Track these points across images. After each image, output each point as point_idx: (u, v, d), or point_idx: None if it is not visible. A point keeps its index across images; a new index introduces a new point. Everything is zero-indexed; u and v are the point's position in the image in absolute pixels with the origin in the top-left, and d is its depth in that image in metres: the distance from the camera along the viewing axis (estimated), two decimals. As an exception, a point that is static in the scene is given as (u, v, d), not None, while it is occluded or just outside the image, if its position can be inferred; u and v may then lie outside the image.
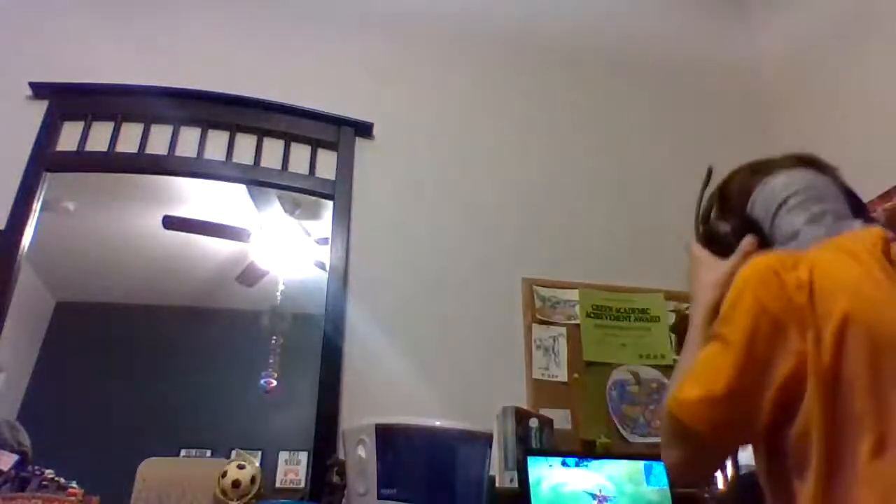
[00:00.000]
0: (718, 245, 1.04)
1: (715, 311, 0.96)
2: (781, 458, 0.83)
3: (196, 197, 2.19)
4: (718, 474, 1.77)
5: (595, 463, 1.70)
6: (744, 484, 1.59)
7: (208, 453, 1.88)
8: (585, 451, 1.89)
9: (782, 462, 0.83)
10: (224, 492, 1.50)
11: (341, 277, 2.03)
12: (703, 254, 1.06)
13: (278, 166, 2.18)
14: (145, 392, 1.95)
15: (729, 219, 1.04)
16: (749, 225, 1.01)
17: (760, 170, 1.05)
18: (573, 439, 1.96)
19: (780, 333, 0.80)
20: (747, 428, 0.84)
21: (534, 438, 1.80)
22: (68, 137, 2.06)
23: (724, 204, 1.08)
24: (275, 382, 2.00)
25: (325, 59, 2.41)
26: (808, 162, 1.04)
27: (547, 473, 1.63)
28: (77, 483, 1.44)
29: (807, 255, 0.85)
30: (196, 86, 2.16)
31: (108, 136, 2.08)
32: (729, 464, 1.76)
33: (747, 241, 1.00)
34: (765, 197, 1.02)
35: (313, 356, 1.92)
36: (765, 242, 1.00)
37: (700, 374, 0.85)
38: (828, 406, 0.77)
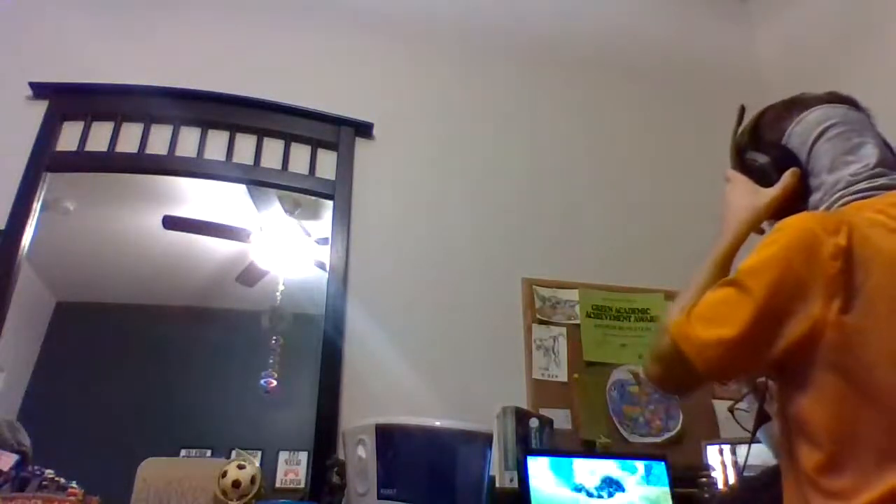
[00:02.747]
0: (756, 176, 1.04)
1: (747, 232, 1.01)
2: (794, 422, 0.84)
3: (196, 197, 2.19)
4: (719, 474, 1.77)
5: (595, 463, 1.70)
6: (744, 484, 1.58)
7: (208, 453, 1.87)
8: (585, 451, 1.89)
9: (797, 425, 0.84)
10: (224, 492, 1.50)
11: (341, 277, 2.03)
12: (742, 178, 1.06)
13: (278, 166, 2.18)
14: (145, 392, 1.95)
15: (765, 150, 1.04)
16: (786, 155, 1.01)
17: (796, 104, 1.05)
18: (573, 439, 1.96)
19: (801, 295, 0.80)
20: (740, 375, 0.92)
21: (534, 438, 1.80)
22: (68, 137, 2.06)
23: (760, 137, 1.07)
24: (275, 382, 2.00)
25: (325, 60, 2.41)
26: (842, 99, 1.04)
27: (546, 473, 1.63)
28: (77, 483, 1.43)
29: (848, 218, 0.84)
30: (196, 86, 2.16)
31: (108, 136, 2.08)
32: (730, 465, 1.76)
33: (791, 173, 0.99)
34: (802, 128, 1.01)
35: (313, 356, 1.92)
36: (803, 174, 0.99)
37: (713, 316, 0.86)
38: (844, 377, 0.78)
